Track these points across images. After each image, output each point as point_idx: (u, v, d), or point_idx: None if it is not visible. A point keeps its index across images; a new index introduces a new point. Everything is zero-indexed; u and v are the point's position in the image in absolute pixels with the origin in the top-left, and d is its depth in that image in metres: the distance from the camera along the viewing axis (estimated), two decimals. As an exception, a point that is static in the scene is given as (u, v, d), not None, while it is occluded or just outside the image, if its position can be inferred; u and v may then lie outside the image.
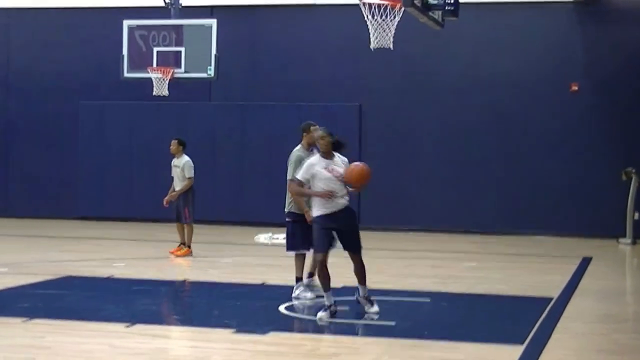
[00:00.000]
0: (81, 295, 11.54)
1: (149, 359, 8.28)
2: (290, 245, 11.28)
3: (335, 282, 11.32)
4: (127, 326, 9.46)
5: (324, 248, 10.17)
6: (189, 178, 15.46)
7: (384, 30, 16.99)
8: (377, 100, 20.90)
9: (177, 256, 15.51)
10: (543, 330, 9.65)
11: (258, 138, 21.17)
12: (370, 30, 16.44)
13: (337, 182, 10.13)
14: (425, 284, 12.71)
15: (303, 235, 10.99)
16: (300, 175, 10.27)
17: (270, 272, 13.64)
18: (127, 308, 10.67)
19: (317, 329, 9.72)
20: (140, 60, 19.52)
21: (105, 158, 22.10)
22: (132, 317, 9.90)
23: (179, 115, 21.52)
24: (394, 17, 15.05)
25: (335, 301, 10.07)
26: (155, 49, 19.60)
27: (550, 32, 20.39)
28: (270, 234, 18.45)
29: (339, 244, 10.38)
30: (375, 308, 10.23)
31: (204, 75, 19.54)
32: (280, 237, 17.81)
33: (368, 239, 18.72)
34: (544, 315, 10.45)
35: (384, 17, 15.26)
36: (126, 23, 19.41)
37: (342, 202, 10.19)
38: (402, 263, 15.55)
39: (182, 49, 19.55)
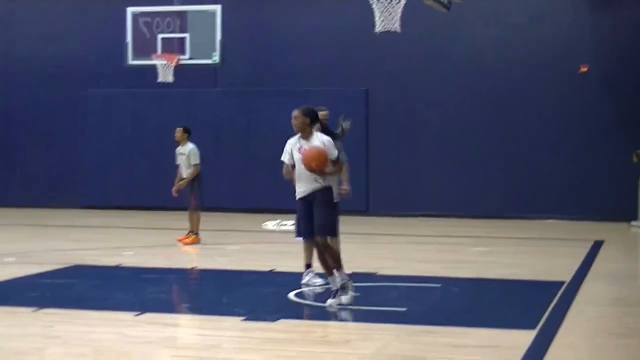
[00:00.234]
0: (90, 284, 11.50)
1: (158, 347, 8.24)
2: (298, 232, 11.23)
3: (344, 268, 11.28)
4: (136, 315, 9.42)
5: (299, 233, 10.10)
6: (195, 165, 15.40)
7: (390, 14, 16.91)
8: (383, 84, 20.81)
9: (185, 244, 15.47)
10: (555, 314, 9.59)
11: (264, 124, 21.10)
12: (375, 14, 16.36)
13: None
14: (435, 269, 12.65)
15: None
16: (283, 156, 10.30)
17: (279, 259, 13.58)
18: (136, 296, 10.63)
19: (327, 315, 9.66)
20: (145, 47, 19.45)
21: (110, 146, 22.05)
22: (141, 305, 9.85)
23: (185, 102, 21.46)
24: (399, 1, 14.97)
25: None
26: (160, 36, 19.53)
27: (559, 13, 20.27)
28: (278, 221, 18.40)
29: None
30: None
31: (209, 61, 19.46)
32: (289, 224, 17.80)
33: (377, 225, 18.86)
34: (555, 300, 10.39)
35: (389, 0, 15.18)
36: (130, 10, 19.33)
37: (313, 186, 9.91)
38: (412, 248, 15.49)
39: (187, 35, 19.47)
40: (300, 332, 8.91)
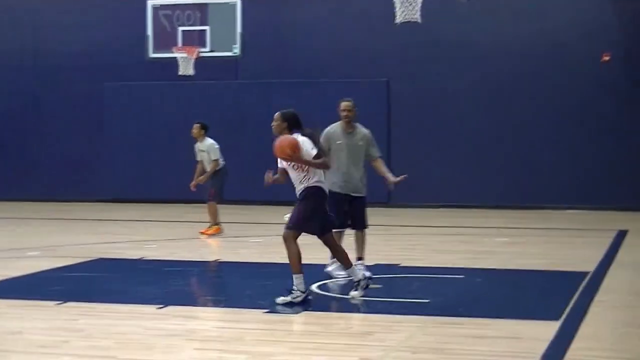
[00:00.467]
0: (113, 278, 11.53)
1: (181, 340, 8.26)
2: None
3: (367, 260, 11.28)
4: (159, 307, 9.44)
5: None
6: (215, 160, 15.44)
7: (410, 4, 16.87)
8: (404, 75, 20.74)
9: (208, 236, 15.52)
10: (579, 305, 9.55)
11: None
12: (396, 4, 16.33)
13: (291, 169, 9.90)
14: (458, 260, 12.62)
15: (337, 213, 10.93)
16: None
17: (302, 251, 13.57)
18: (159, 289, 10.65)
19: (350, 307, 9.65)
20: (165, 40, 19.51)
21: (132, 139, 22.10)
22: (164, 298, 9.87)
23: (205, 95, 21.48)
24: (420, -9, 14.94)
25: (365, 275, 9.91)
26: (180, 29, 19.59)
27: (580, 0, 20.14)
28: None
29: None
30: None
31: (229, 53, 19.50)
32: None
33: (399, 216, 18.82)
34: (579, 290, 10.34)
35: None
36: (150, 3, 19.38)
37: (298, 187, 9.89)
38: (435, 239, 15.46)
39: (207, 28, 19.51)
40: (323, 324, 8.91)
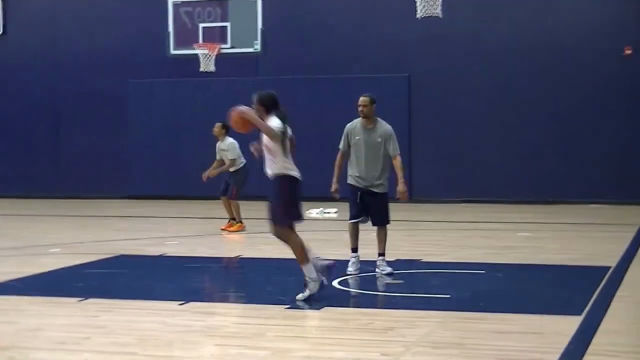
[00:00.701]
0: (134, 274, 11.56)
1: (202, 336, 8.27)
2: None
3: (387, 255, 11.26)
4: (181, 304, 9.45)
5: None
6: (232, 159, 15.50)
7: (431, -1, 16.84)
8: (425, 70, 20.69)
9: (230, 232, 15.53)
10: (601, 300, 9.50)
11: (306, 112, 21.07)
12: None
13: (265, 150, 9.83)
14: (479, 256, 12.60)
15: (351, 205, 11.06)
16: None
17: (323, 247, 13.53)
18: (180, 286, 10.67)
19: (371, 303, 9.65)
20: (186, 37, 19.55)
21: (153, 136, 22.16)
22: (185, 294, 9.88)
23: (226, 91, 21.47)
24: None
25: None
26: (201, 25, 19.63)
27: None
28: (321, 209, 18.39)
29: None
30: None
31: (250, 50, 19.51)
32: (332, 212, 17.81)
33: (421, 211, 18.77)
34: (601, 285, 10.28)
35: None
36: (171, 0, 19.40)
37: (268, 171, 9.83)
38: (456, 234, 15.42)
39: (228, 24, 19.54)
40: (344, 320, 8.90)
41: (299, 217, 9.73)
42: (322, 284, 9.53)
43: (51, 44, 22.91)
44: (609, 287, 10.20)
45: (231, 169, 15.68)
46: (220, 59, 19.44)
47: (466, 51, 20.49)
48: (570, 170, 19.99)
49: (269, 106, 9.77)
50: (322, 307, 9.28)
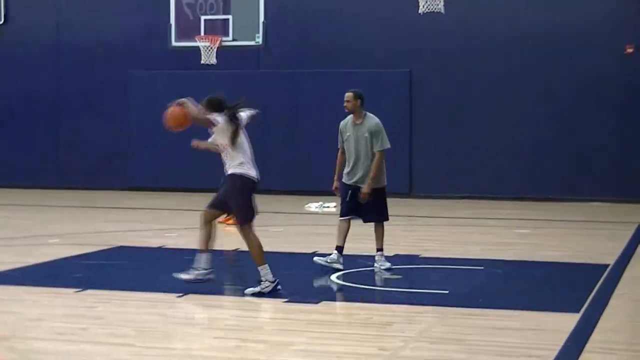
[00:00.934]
0: (133, 266, 11.58)
1: (201, 329, 8.30)
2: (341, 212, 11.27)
3: (385, 250, 11.27)
4: (179, 296, 9.48)
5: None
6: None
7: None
8: (427, 65, 20.68)
9: (228, 224, 15.55)
10: (599, 297, 9.52)
11: (307, 106, 21.09)
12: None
13: (220, 148, 9.95)
14: (478, 252, 12.60)
15: (342, 201, 11.11)
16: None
17: (322, 241, 13.57)
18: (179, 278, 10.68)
19: (370, 298, 9.65)
20: (188, 29, 19.55)
21: (154, 128, 22.07)
22: (184, 287, 9.88)
23: (227, 84, 21.45)
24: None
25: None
26: (203, 17, 19.63)
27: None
28: (321, 203, 18.41)
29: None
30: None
31: (251, 43, 19.51)
32: (331, 206, 17.81)
33: (420, 207, 18.79)
34: (599, 283, 10.30)
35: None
36: (173, -9, 19.42)
37: (225, 168, 9.92)
38: (455, 230, 15.42)
39: (230, 17, 19.52)
40: (343, 315, 8.94)
41: (253, 215, 9.86)
42: (275, 287, 9.54)
43: (52, 33, 22.88)
44: (608, 284, 10.22)
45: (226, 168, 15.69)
46: (222, 51, 19.45)
47: (467, 47, 20.47)
48: (570, 168, 19.99)
49: (217, 109, 9.77)
50: (321, 302, 9.30)
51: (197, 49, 19.60)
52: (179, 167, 21.77)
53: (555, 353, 7.24)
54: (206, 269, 9.78)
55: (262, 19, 19.08)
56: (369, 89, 20.30)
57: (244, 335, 7.96)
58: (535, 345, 7.52)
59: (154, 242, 13.57)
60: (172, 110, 9.73)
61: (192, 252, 12.45)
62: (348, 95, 10.98)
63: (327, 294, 10.14)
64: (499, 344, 7.61)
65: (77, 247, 12.75)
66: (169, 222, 16.23)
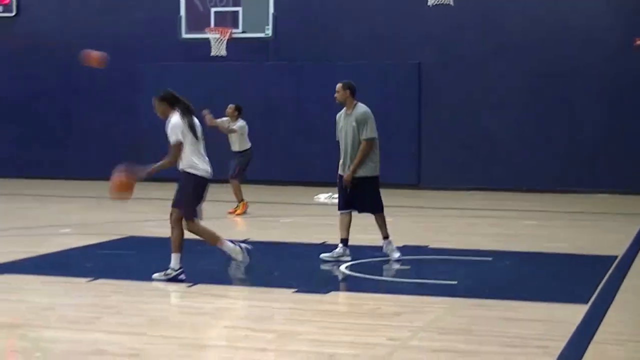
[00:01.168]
0: (143, 255, 11.64)
1: (211, 318, 8.35)
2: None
3: (394, 241, 11.31)
4: (189, 286, 9.54)
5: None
6: (239, 134, 15.73)
7: (443, -13, 16.87)
8: (436, 58, 20.69)
9: (237, 215, 15.64)
10: (607, 289, 9.55)
11: (316, 97, 21.11)
12: (428, -13, 16.34)
13: None
14: (487, 243, 12.63)
15: (338, 194, 11.18)
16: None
17: (331, 232, 13.61)
18: (189, 268, 10.72)
19: (379, 288, 9.68)
20: (198, 21, 19.58)
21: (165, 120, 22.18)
22: (194, 277, 9.94)
23: (237, 76, 21.53)
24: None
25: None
26: (213, 9, 19.66)
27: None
28: (330, 194, 18.45)
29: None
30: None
31: (261, 35, 19.52)
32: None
33: (428, 198, 18.83)
34: (607, 274, 10.32)
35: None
36: (183, -17, 19.45)
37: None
38: (463, 222, 15.45)
39: (240, 9, 19.55)
40: (351, 305, 8.97)
41: (196, 215, 10.00)
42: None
43: (64, 26, 22.94)
44: (616, 276, 10.24)
45: (238, 150, 15.81)
46: (232, 43, 19.47)
47: (476, 39, 20.47)
48: (578, 160, 19.99)
49: (172, 102, 9.80)
50: (329, 292, 9.35)
51: (207, 40, 19.63)
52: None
53: (563, 344, 7.26)
54: (175, 269, 9.78)
55: (271, 10, 19.11)
56: (378, 81, 20.49)
57: (253, 324, 8.01)
58: (544, 336, 7.54)
59: (164, 232, 13.57)
60: (119, 180, 9.74)
61: (202, 243, 12.57)
62: (338, 86, 11.10)
63: (336, 284, 10.19)
64: (507, 334, 7.61)
65: (88, 237, 12.83)
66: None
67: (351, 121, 10.94)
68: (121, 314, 8.41)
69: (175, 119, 9.81)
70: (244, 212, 15.67)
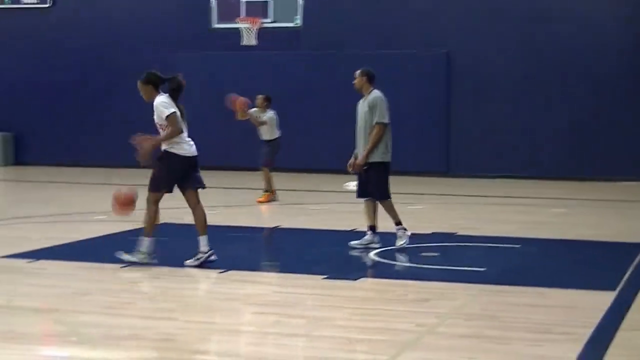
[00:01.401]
0: (176, 242, 11.74)
1: (241, 304, 8.46)
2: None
3: (423, 228, 11.40)
4: (221, 272, 9.66)
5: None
6: (269, 125, 15.86)
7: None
8: (464, 46, 20.68)
9: (261, 202, 15.80)
10: (635, 276, 9.57)
11: (345, 86, 21.07)
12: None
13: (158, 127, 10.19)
14: (514, 230, 12.65)
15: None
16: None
17: (361, 219, 13.71)
18: (220, 254, 10.84)
19: (407, 274, 9.75)
20: (229, 11, 19.66)
21: (196, 108, 22.23)
22: (225, 263, 10.05)
23: (267, 65, 21.62)
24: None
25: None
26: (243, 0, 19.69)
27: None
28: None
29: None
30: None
31: (291, 24, 19.58)
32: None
33: (457, 186, 18.87)
34: (635, 261, 10.32)
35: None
36: (214, -26, 19.53)
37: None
38: (492, 209, 15.48)
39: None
40: (380, 291, 9.04)
41: (167, 189, 10.26)
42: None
43: (98, 16, 23.11)
44: (643, 263, 10.27)
45: (267, 139, 15.96)
46: (262, 33, 19.54)
47: (504, 28, 20.44)
48: (607, 147, 19.93)
49: (156, 83, 10.06)
50: (358, 278, 9.45)
51: (238, 30, 19.71)
52: (219, 146, 21.95)
53: (590, 331, 7.31)
54: (145, 253, 9.96)
55: (300, 1, 19.14)
56: (407, 69, 20.53)
57: (283, 310, 8.10)
58: (571, 323, 7.58)
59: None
60: (121, 196, 9.90)
61: (233, 230, 12.74)
62: (356, 73, 11.26)
63: (365, 271, 10.28)
64: (534, 321, 7.66)
65: (123, 223, 12.95)
66: (210, 200, 16.35)
67: (365, 106, 11.07)
68: (155, 299, 8.57)
69: (160, 98, 10.06)
70: (268, 201, 15.79)
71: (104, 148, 23.01)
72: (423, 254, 10.82)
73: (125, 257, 9.90)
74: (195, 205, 10.11)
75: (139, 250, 9.91)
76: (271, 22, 19.69)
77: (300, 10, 19.37)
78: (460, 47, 20.70)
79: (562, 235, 12.32)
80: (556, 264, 10.55)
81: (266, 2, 19.64)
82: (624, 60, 19.89)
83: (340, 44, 21.42)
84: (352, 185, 18.46)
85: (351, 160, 11.24)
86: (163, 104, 9.92)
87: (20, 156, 23.69)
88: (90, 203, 15.86)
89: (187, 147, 10.05)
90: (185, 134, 10.17)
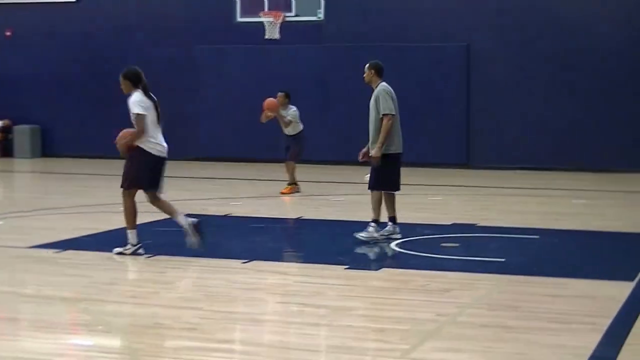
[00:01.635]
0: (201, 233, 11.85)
1: (265, 294, 8.57)
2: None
3: (444, 219, 11.46)
4: (244, 262, 9.75)
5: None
6: (291, 122, 15.96)
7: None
8: (484, 39, 20.66)
9: (283, 194, 15.89)
10: (654, 266, 9.62)
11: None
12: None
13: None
14: (535, 221, 12.66)
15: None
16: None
17: (382, 210, 13.81)
18: (244, 245, 10.98)
19: (428, 265, 9.80)
20: (252, 5, 19.76)
21: (220, 101, 22.42)
22: (249, 253, 10.18)
23: (290, 58, 21.69)
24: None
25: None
26: (267, -7, 19.77)
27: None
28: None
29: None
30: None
31: (313, 18, 19.65)
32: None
33: (478, 177, 18.90)
34: (655, 252, 10.40)
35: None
36: (238, -32, 19.61)
37: None
38: (512, 200, 15.48)
39: (293, -7, 19.66)
40: (401, 281, 9.11)
41: (140, 186, 10.32)
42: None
43: (123, 10, 23.23)
44: (663, 254, 10.30)
45: (291, 133, 16.07)
46: (285, 26, 19.60)
47: (524, 21, 20.39)
48: (627, 139, 19.86)
49: (134, 81, 10.20)
50: (380, 268, 9.54)
51: (261, 24, 19.79)
52: (243, 138, 22.07)
53: (610, 320, 7.37)
54: (134, 244, 10.13)
55: (323, -6, 19.22)
56: (428, 62, 20.56)
57: (306, 300, 8.21)
58: (590, 313, 7.65)
59: (220, 210, 13.88)
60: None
61: (256, 221, 12.85)
62: (365, 67, 11.26)
63: (387, 261, 10.36)
64: (555, 311, 7.73)
65: (147, 214, 13.04)
66: (234, 192, 16.51)
67: (372, 99, 11.19)
68: (178, 289, 8.69)
69: (136, 96, 10.20)
70: (292, 193, 15.90)
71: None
72: (443, 244, 10.88)
73: (117, 250, 10.13)
74: (154, 203, 10.20)
75: (129, 243, 10.12)
76: (294, 16, 19.77)
77: (322, 4, 19.42)
78: (481, 40, 20.68)
79: (582, 227, 12.35)
80: (576, 254, 10.59)
81: (289, -4, 19.71)
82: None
83: (362, 37, 21.45)
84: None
85: (364, 150, 11.30)
86: (135, 102, 10.18)
87: (48, 148, 23.90)
88: (115, 194, 15.88)
89: (159, 147, 10.28)
90: (157, 133, 10.38)
